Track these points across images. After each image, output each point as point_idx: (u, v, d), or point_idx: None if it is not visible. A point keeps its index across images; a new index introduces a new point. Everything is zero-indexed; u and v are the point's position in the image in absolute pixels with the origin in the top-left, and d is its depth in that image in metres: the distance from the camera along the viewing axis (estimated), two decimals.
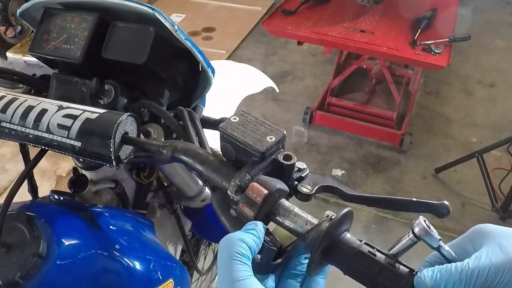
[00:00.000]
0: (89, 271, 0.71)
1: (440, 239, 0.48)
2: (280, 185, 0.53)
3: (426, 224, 0.47)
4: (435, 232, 0.47)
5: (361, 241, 0.49)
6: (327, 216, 0.50)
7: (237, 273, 0.44)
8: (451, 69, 3.22)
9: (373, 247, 0.48)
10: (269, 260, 0.51)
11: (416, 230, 0.47)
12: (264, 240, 0.49)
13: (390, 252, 0.49)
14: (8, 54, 3.02)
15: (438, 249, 0.48)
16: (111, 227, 0.77)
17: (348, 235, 0.50)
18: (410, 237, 0.48)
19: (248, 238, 0.47)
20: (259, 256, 0.49)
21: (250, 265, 0.45)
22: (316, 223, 0.50)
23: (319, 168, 2.58)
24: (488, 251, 0.45)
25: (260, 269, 0.50)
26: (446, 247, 0.48)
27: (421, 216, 0.48)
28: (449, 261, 0.47)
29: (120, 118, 0.60)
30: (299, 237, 0.51)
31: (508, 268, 0.43)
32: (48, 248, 0.66)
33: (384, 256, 0.48)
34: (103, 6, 0.77)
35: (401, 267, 0.46)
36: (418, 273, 0.46)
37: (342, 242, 0.49)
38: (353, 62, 2.85)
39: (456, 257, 0.48)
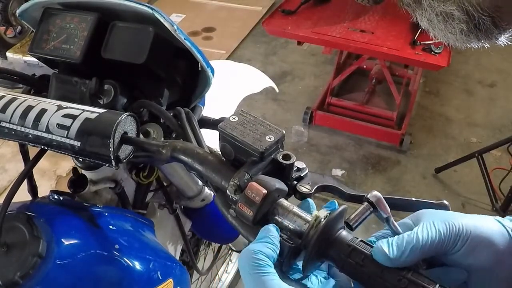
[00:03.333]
0: (89, 271, 0.71)
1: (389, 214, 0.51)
2: (279, 184, 0.53)
3: (380, 196, 0.51)
4: (386, 206, 0.51)
5: (357, 238, 0.49)
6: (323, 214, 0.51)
7: (264, 284, 0.45)
8: (451, 69, 3.22)
9: (368, 244, 0.49)
10: (291, 257, 0.51)
11: (372, 198, 0.51)
12: (281, 238, 0.50)
13: (347, 219, 0.52)
14: (8, 54, 3.02)
15: (387, 220, 0.51)
16: (110, 227, 0.77)
17: (343, 233, 0.50)
18: (367, 206, 0.51)
19: (264, 248, 0.47)
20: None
21: (274, 271, 0.46)
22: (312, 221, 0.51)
23: (319, 168, 2.58)
24: (427, 222, 0.48)
25: (286, 267, 0.50)
26: (394, 222, 0.51)
27: (374, 190, 0.51)
28: (395, 235, 0.50)
29: (120, 118, 0.60)
30: (298, 236, 0.51)
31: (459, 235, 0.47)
32: (48, 248, 0.66)
33: None
34: (102, 6, 0.77)
35: None
36: (373, 246, 0.48)
37: (338, 239, 0.49)
38: (353, 62, 2.85)
39: (401, 232, 0.50)
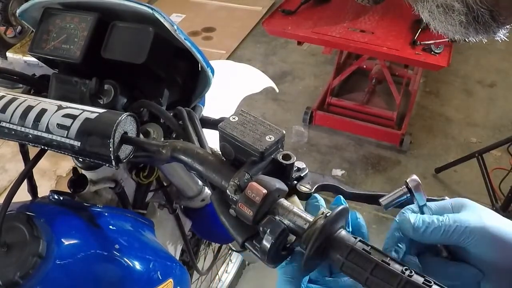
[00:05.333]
0: (89, 271, 0.71)
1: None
2: (279, 184, 0.53)
3: (420, 182, 0.52)
4: (424, 193, 0.52)
5: (355, 238, 0.49)
6: (322, 213, 0.51)
7: None
8: (451, 69, 3.22)
9: (368, 245, 0.49)
10: (280, 246, 0.51)
11: (411, 183, 0.52)
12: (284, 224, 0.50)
13: (381, 200, 0.54)
14: (8, 54, 3.02)
15: (422, 207, 0.53)
16: (110, 227, 0.77)
17: (343, 232, 0.50)
18: (404, 190, 0.52)
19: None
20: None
21: None
22: (312, 221, 0.51)
23: (319, 168, 2.58)
24: (468, 215, 0.51)
25: (270, 254, 0.50)
26: (428, 209, 0.54)
27: (414, 175, 0.53)
28: None
29: (120, 118, 0.60)
30: (298, 236, 0.51)
31: (480, 233, 0.49)
32: (48, 248, 0.66)
33: (379, 254, 0.48)
34: (102, 6, 0.77)
35: (396, 265, 0.47)
36: (401, 212, 0.52)
37: (337, 239, 0.49)
38: (353, 62, 2.85)
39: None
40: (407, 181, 0.52)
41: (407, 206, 0.55)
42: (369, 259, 0.47)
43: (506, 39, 0.50)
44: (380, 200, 0.54)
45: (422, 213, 0.53)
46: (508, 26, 0.48)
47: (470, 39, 0.50)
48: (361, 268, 0.47)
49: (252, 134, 0.56)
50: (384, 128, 2.68)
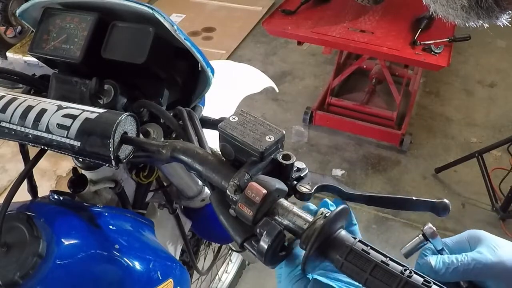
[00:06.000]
0: (89, 271, 0.71)
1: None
2: (279, 184, 0.53)
3: (435, 229, 0.57)
4: (439, 238, 0.57)
5: (355, 238, 0.49)
6: (321, 214, 0.51)
7: None
8: (451, 69, 3.22)
9: (367, 245, 0.49)
10: (277, 247, 0.51)
11: (427, 232, 0.56)
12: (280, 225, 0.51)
13: (401, 250, 0.58)
14: (8, 54, 3.02)
15: (440, 251, 0.57)
16: (110, 227, 0.77)
17: (343, 232, 0.50)
18: (421, 238, 0.57)
19: None
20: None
21: None
22: (311, 221, 0.51)
23: (320, 168, 2.58)
24: (485, 250, 0.54)
25: (268, 256, 0.50)
26: (446, 251, 0.58)
27: (429, 223, 0.57)
28: None
29: (120, 118, 0.60)
30: (298, 236, 0.51)
31: (497, 269, 0.53)
32: (48, 248, 0.66)
33: (378, 255, 0.48)
34: (102, 6, 0.77)
35: (395, 265, 0.46)
36: (423, 256, 0.56)
37: (337, 239, 0.49)
38: (353, 62, 2.85)
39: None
40: (423, 230, 0.57)
41: (426, 247, 0.58)
42: (368, 259, 0.47)
43: (508, 24, 0.49)
44: (401, 251, 0.59)
45: (441, 253, 0.57)
46: (510, 11, 0.48)
47: (470, 23, 0.49)
48: (360, 268, 0.47)
49: (252, 134, 0.56)
50: (384, 128, 2.68)
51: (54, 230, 0.69)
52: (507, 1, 0.46)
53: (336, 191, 0.60)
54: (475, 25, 0.50)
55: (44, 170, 2.38)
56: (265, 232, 0.50)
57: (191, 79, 0.84)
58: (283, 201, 0.53)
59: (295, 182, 0.58)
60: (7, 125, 0.63)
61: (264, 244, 0.50)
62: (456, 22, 0.50)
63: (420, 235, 0.57)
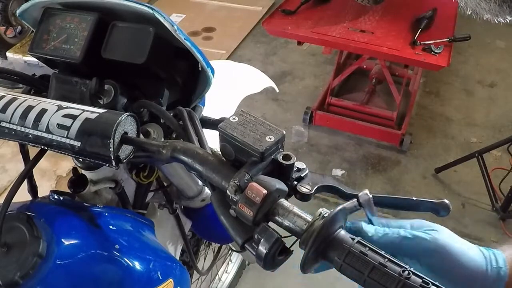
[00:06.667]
0: (89, 271, 0.71)
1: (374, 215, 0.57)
2: (279, 185, 0.53)
3: (371, 197, 0.56)
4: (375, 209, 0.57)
5: (354, 239, 0.49)
6: (319, 214, 0.51)
7: None
8: (451, 69, 3.22)
9: (365, 246, 0.48)
10: (276, 252, 0.51)
11: (362, 198, 0.56)
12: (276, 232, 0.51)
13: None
14: (8, 54, 3.02)
15: (371, 221, 0.58)
16: (111, 227, 0.77)
17: (342, 233, 0.50)
18: (354, 203, 0.55)
19: None
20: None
21: None
22: (310, 222, 0.51)
23: (320, 168, 2.58)
24: (419, 231, 0.55)
25: (267, 261, 0.50)
26: (377, 222, 0.58)
27: (367, 190, 0.57)
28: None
29: (120, 118, 0.60)
30: (298, 236, 0.51)
31: (427, 242, 0.54)
32: (48, 248, 0.66)
33: (376, 256, 0.48)
34: (102, 6, 0.77)
35: (394, 267, 0.46)
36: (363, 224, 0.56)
37: (336, 240, 0.49)
38: (353, 62, 2.84)
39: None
40: (359, 195, 0.56)
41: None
42: (366, 261, 0.47)
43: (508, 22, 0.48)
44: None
45: (371, 223, 0.58)
46: None
47: (499, 19, 0.48)
48: (358, 270, 0.47)
49: (252, 134, 0.56)
50: (384, 128, 2.68)
51: (54, 230, 0.69)
52: None
53: (336, 192, 0.60)
54: (503, 21, 0.48)
55: (44, 170, 2.38)
56: (262, 239, 0.50)
57: (191, 79, 0.84)
58: (283, 201, 0.53)
59: (295, 183, 0.58)
60: (7, 125, 0.63)
61: (262, 249, 0.50)
62: (485, 17, 0.49)
63: (355, 199, 0.56)
